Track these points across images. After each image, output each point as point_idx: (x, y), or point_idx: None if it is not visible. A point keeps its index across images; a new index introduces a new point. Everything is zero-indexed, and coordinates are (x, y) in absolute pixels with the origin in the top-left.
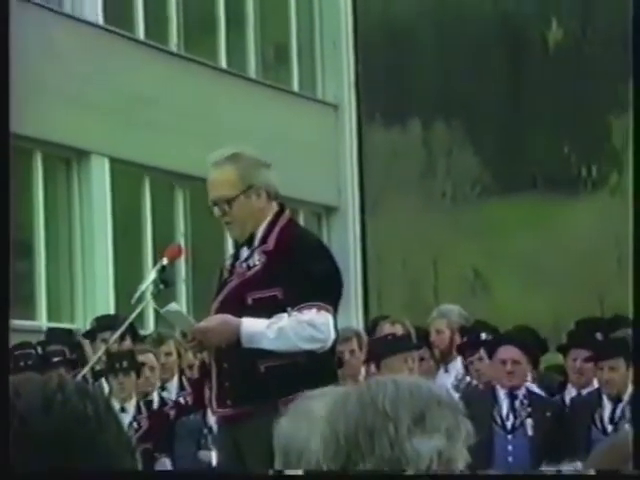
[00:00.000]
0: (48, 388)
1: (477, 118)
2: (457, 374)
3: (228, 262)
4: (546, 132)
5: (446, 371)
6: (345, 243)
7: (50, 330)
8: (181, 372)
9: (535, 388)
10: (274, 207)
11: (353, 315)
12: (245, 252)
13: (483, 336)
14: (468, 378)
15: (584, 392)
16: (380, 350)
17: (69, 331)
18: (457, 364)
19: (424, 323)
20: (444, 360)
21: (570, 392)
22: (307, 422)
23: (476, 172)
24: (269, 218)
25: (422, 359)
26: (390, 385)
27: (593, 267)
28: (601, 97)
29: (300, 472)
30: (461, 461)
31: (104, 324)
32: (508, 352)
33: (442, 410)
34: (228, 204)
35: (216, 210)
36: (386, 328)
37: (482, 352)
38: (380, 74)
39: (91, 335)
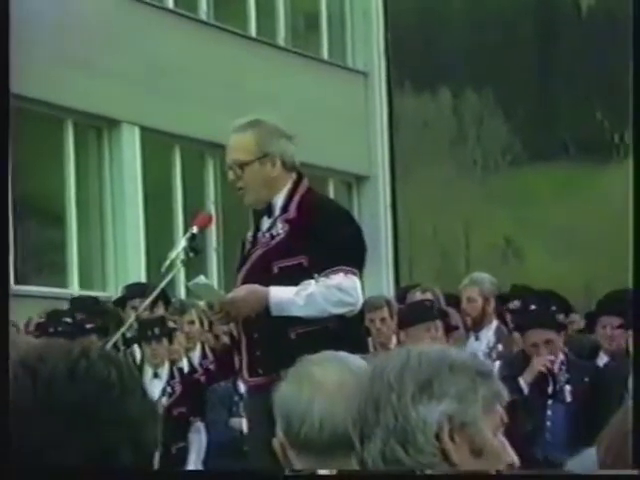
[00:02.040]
0: (72, 354)
1: (508, 85)
2: (488, 342)
3: (249, 233)
4: (578, 98)
5: (477, 339)
6: (376, 212)
7: (77, 298)
8: (203, 341)
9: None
10: (292, 177)
11: (384, 283)
12: (266, 222)
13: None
14: (500, 346)
15: (615, 359)
16: (405, 318)
17: (95, 299)
18: (489, 332)
19: (455, 291)
20: (475, 328)
21: (602, 359)
22: (309, 386)
23: (507, 140)
24: (288, 187)
25: (451, 327)
26: (401, 355)
27: (625, 233)
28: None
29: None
30: (483, 424)
31: (134, 292)
32: (537, 334)
33: (454, 375)
34: (241, 169)
35: (230, 174)
36: (416, 296)
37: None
38: (410, 41)
39: (121, 302)
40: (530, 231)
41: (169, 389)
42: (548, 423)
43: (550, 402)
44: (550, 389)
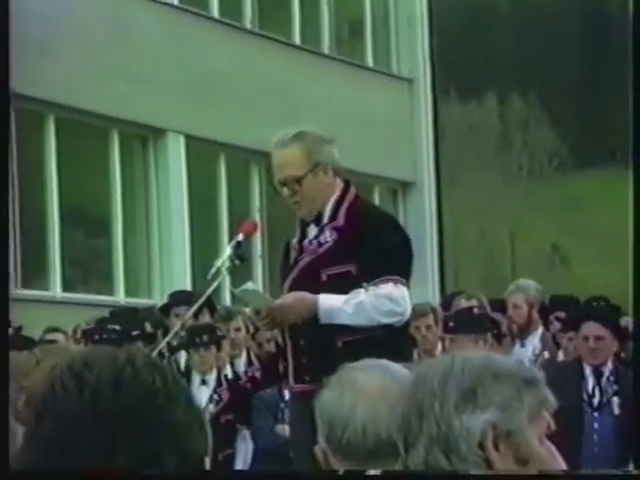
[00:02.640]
0: (118, 361)
1: (554, 91)
2: (534, 349)
3: (294, 240)
4: (626, 103)
5: (522, 346)
6: (421, 218)
7: (120, 308)
8: (248, 348)
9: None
10: (339, 183)
11: (430, 290)
12: (313, 230)
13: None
14: (546, 353)
15: None
16: (453, 326)
17: (136, 309)
18: (534, 339)
19: (500, 297)
20: (521, 335)
21: None
22: (351, 393)
23: (553, 145)
24: (336, 194)
25: (500, 336)
26: (445, 361)
27: None
28: None
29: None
30: (528, 432)
31: (179, 299)
32: (591, 328)
33: (498, 383)
34: (298, 183)
35: (285, 190)
36: (462, 303)
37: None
38: (456, 48)
39: (166, 310)
40: (577, 237)
41: (216, 396)
42: (595, 437)
43: (597, 414)
44: (597, 400)
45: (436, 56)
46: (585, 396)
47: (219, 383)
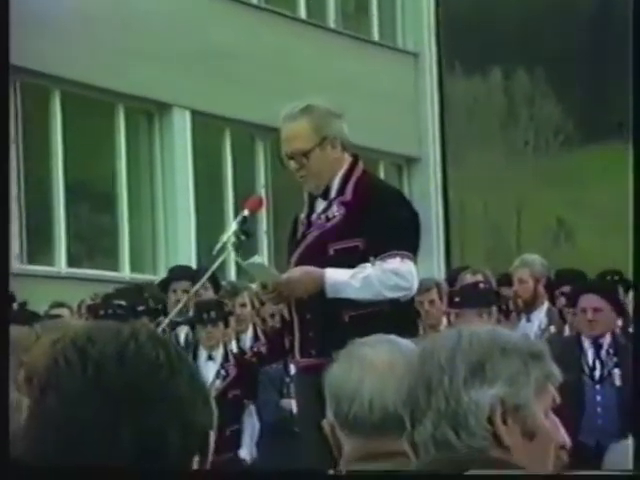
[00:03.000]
0: (121, 336)
1: (560, 66)
2: (540, 323)
3: (303, 215)
4: (631, 78)
5: (528, 320)
6: (426, 194)
7: (124, 286)
8: (254, 323)
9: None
10: (347, 158)
11: (435, 265)
12: (321, 204)
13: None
14: (552, 328)
15: None
16: (459, 301)
17: (140, 286)
18: (540, 314)
19: (506, 271)
20: (527, 309)
21: None
22: (359, 367)
23: (559, 120)
24: (344, 169)
25: (506, 311)
26: (452, 336)
27: None
28: None
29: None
30: (535, 406)
31: (178, 274)
32: (588, 300)
33: (506, 357)
34: (305, 157)
35: (292, 164)
36: (467, 278)
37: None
38: (461, 22)
39: (164, 285)
40: (582, 212)
41: (223, 372)
42: (599, 409)
43: (599, 387)
44: (597, 373)
45: (442, 30)
46: (586, 369)
47: (226, 359)
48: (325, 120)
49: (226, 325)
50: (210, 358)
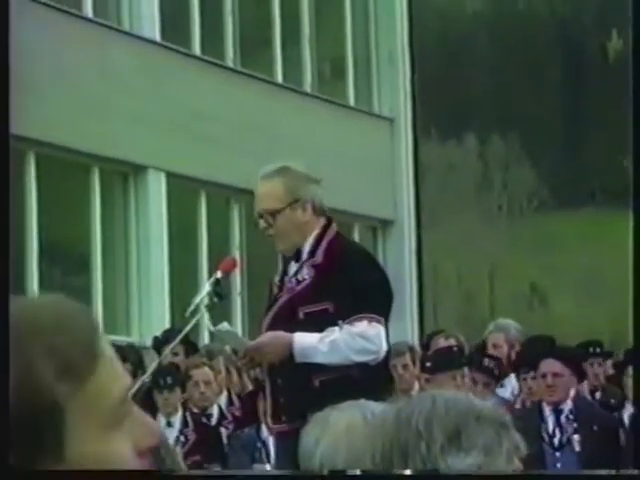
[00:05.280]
0: None
1: (534, 131)
2: (512, 389)
3: (277, 278)
4: (605, 144)
5: (502, 386)
6: (401, 257)
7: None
8: (229, 388)
9: (585, 402)
10: (321, 221)
11: (409, 329)
12: (293, 267)
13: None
14: (524, 394)
15: None
16: (430, 366)
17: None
18: (512, 380)
19: (480, 338)
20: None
21: (628, 409)
22: (319, 429)
23: (533, 185)
24: (316, 232)
25: (492, 377)
26: (427, 402)
27: None
28: None
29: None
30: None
31: (161, 338)
32: (548, 365)
33: (481, 426)
34: (272, 217)
35: (261, 222)
36: (440, 342)
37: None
38: (436, 88)
39: (158, 347)
40: (556, 278)
41: (182, 438)
42: None
43: (558, 454)
44: (557, 440)
45: (417, 96)
46: (546, 437)
47: (185, 424)
48: (299, 183)
49: (183, 390)
50: (169, 425)
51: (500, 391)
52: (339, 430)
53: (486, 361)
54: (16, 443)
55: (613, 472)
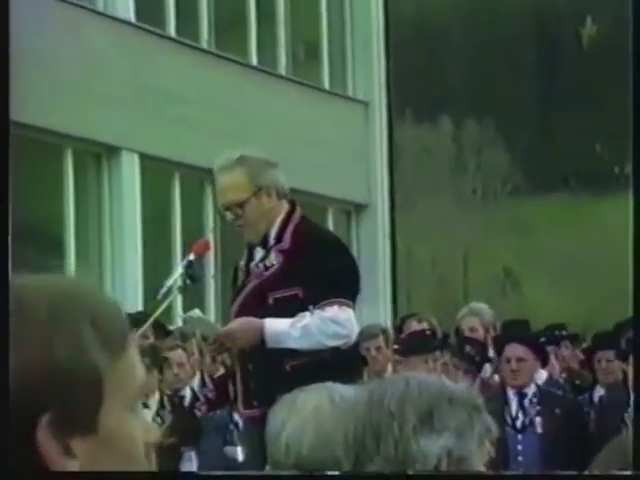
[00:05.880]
0: None
1: (508, 115)
2: (485, 372)
3: (242, 263)
4: (579, 130)
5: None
6: (375, 241)
7: None
8: (202, 370)
9: (548, 386)
10: (285, 206)
11: (382, 312)
12: (260, 252)
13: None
14: (496, 377)
15: (611, 392)
16: (405, 348)
17: None
18: (486, 364)
19: (453, 322)
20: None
21: (598, 392)
22: (286, 412)
23: (507, 169)
24: (281, 217)
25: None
26: (400, 383)
27: (624, 265)
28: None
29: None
30: (476, 459)
31: (133, 320)
32: (513, 350)
33: (453, 408)
34: (240, 207)
35: (228, 214)
36: (413, 325)
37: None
38: (411, 71)
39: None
40: (529, 262)
41: (158, 419)
42: (520, 458)
43: (520, 436)
44: (519, 422)
45: (392, 80)
46: (508, 419)
47: (162, 406)
48: (259, 170)
49: (161, 372)
50: (145, 406)
51: None
52: (306, 412)
53: (467, 347)
54: (51, 403)
55: (630, 472)
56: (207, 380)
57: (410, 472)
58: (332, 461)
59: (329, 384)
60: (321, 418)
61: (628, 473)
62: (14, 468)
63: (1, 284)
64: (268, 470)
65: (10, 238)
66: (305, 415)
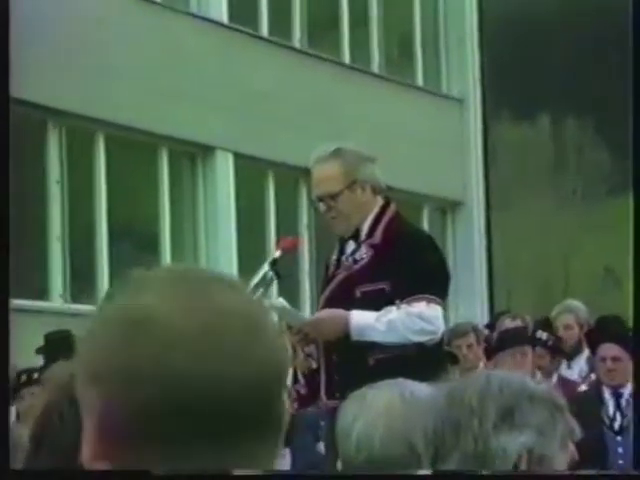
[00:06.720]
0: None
1: (608, 114)
2: (580, 371)
3: (334, 257)
4: None
5: (569, 367)
6: (470, 238)
7: None
8: (294, 366)
9: None
10: (379, 201)
11: (478, 310)
12: (351, 246)
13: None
14: (593, 375)
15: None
16: (494, 345)
17: None
18: (581, 360)
19: (547, 317)
20: (569, 356)
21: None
22: (357, 408)
23: (607, 168)
24: (375, 212)
25: (555, 354)
26: (481, 380)
27: None
28: None
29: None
30: (559, 459)
31: None
32: (608, 349)
33: (534, 406)
34: (333, 199)
35: (321, 206)
36: (505, 323)
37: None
38: (506, 68)
39: None
40: (630, 260)
41: None
42: (620, 461)
43: (620, 438)
44: (618, 424)
45: (487, 77)
46: (606, 420)
47: None
48: (355, 163)
49: None
50: None
51: (567, 372)
52: (378, 408)
53: (550, 341)
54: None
55: (636, 472)
56: (300, 376)
57: (484, 472)
58: (405, 457)
59: (400, 380)
60: (392, 415)
61: (628, 473)
62: (14, 469)
63: (1, 284)
64: (268, 470)
65: (10, 238)
66: (376, 411)
